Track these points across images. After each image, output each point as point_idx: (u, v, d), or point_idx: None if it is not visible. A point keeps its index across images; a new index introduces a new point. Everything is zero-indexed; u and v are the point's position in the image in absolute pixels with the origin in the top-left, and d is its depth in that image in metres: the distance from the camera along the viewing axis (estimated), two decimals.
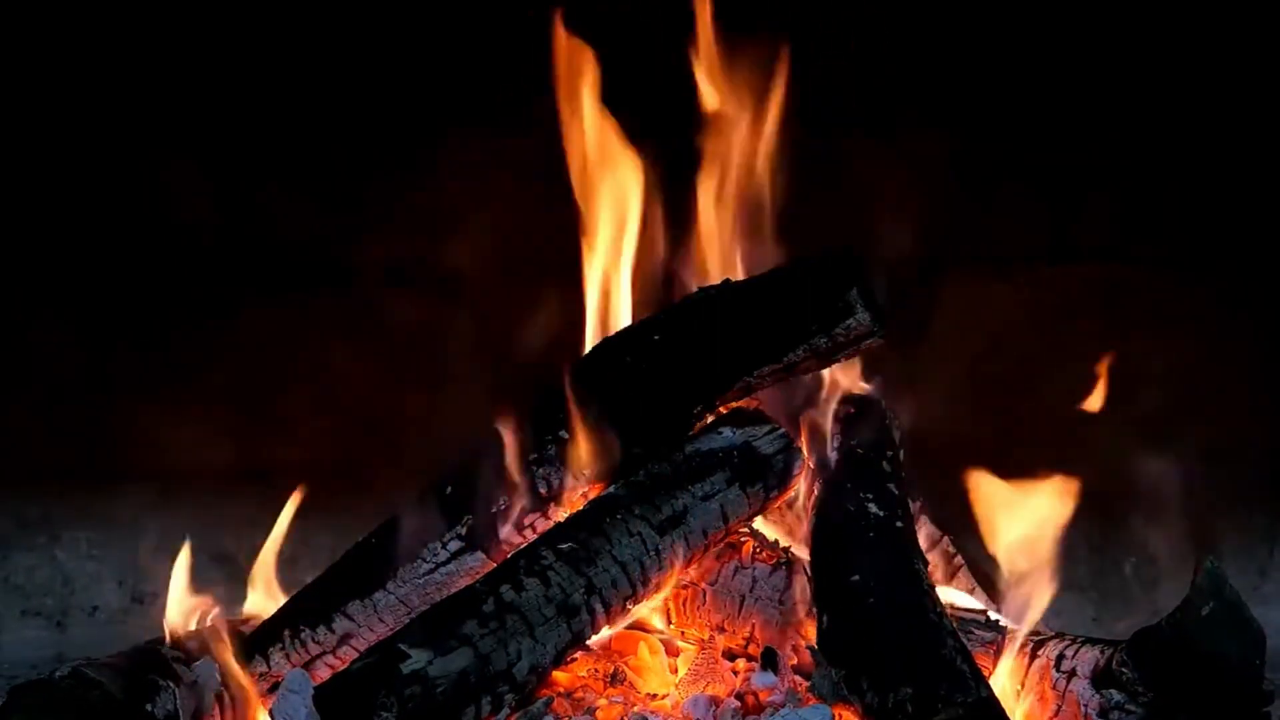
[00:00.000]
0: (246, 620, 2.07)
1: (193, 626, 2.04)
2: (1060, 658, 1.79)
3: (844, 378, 2.17)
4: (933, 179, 2.85)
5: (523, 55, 2.78)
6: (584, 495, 1.94)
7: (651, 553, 1.83)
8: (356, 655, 1.81)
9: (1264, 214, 2.88)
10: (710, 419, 1.99)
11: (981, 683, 1.61)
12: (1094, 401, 2.20)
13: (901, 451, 2.13)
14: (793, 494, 2.01)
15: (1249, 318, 2.90)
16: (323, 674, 1.86)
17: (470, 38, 2.82)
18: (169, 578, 2.04)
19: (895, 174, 2.80)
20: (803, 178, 2.19)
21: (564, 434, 1.94)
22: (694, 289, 2.06)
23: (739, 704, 1.81)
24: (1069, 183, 2.91)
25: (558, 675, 1.83)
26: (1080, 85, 2.85)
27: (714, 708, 1.80)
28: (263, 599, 2.11)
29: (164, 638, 1.96)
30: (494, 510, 1.93)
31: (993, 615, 1.99)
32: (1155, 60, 2.83)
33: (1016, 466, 2.15)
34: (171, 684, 1.81)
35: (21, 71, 2.78)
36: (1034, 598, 1.95)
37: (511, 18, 2.77)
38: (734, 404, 2.01)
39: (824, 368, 2.04)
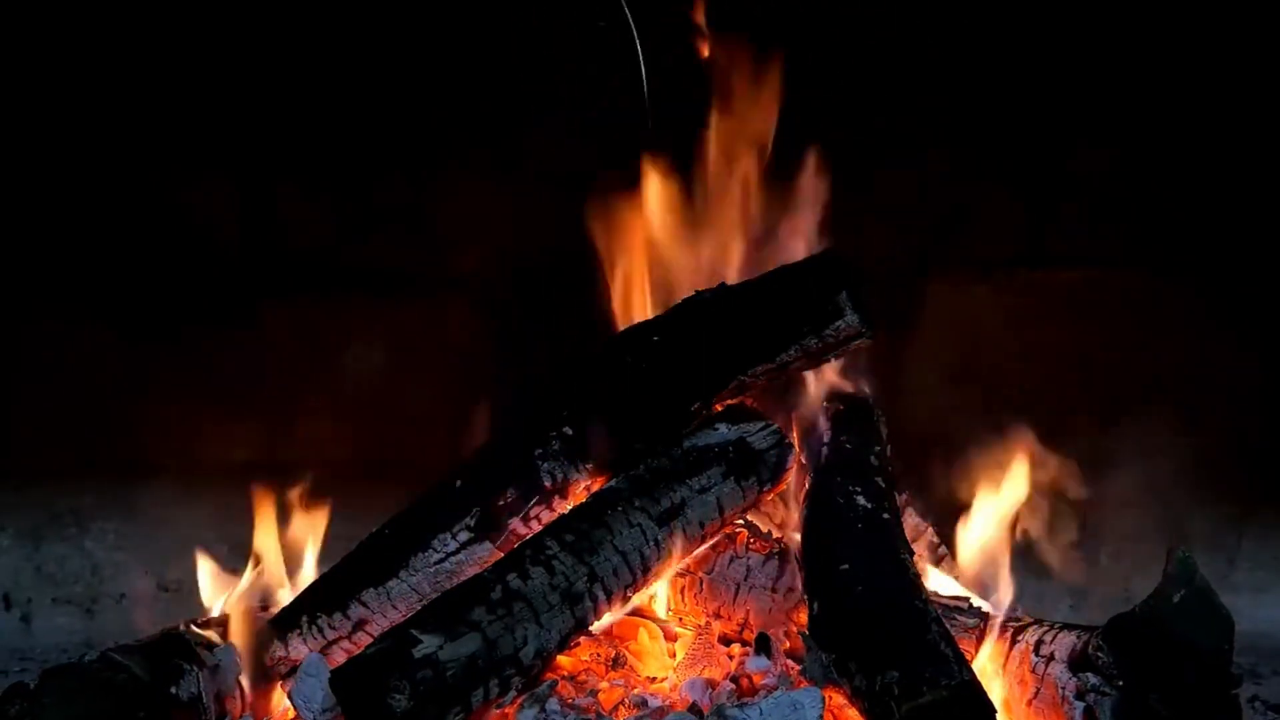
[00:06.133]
0: (266, 607, 2.07)
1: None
2: (1039, 643, 1.79)
3: (834, 376, 2.17)
4: (915, 186, 2.85)
5: (528, 66, 2.80)
6: (587, 488, 1.94)
7: (651, 543, 1.82)
8: (371, 640, 1.81)
9: (1236, 217, 2.88)
10: (707, 416, 1.99)
11: (964, 666, 1.60)
12: None
13: (888, 447, 2.13)
14: (785, 487, 2.01)
15: (1222, 319, 2.90)
16: (339, 658, 1.86)
17: (478, 51, 2.82)
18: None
19: (880, 182, 2.80)
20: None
21: (568, 430, 1.94)
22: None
23: (734, 686, 1.81)
24: (1046, 188, 2.91)
25: (562, 659, 1.82)
26: (1058, 92, 2.85)
27: (710, 690, 1.80)
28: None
29: (188, 623, 1.96)
30: (501, 503, 1.93)
31: (975, 602, 1.99)
32: (1129, 68, 2.82)
33: (997, 463, 2.15)
34: (195, 667, 1.81)
35: (60, 91, 2.79)
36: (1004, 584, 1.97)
37: (516, 31, 2.78)
38: (729, 401, 2.01)
39: (815, 367, 2.04)
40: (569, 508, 1.91)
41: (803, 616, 1.87)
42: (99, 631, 2.80)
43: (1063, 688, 1.69)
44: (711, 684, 1.81)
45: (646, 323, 2.03)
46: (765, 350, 1.92)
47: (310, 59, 2.81)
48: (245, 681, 1.88)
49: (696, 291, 2.02)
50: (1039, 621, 1.88)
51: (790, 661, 1.86)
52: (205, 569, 2.09)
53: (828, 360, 2.00)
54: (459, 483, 1.97)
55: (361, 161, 2.86)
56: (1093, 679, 1.65)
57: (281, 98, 2.83)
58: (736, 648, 1.93)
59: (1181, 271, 2.89)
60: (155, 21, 2.76)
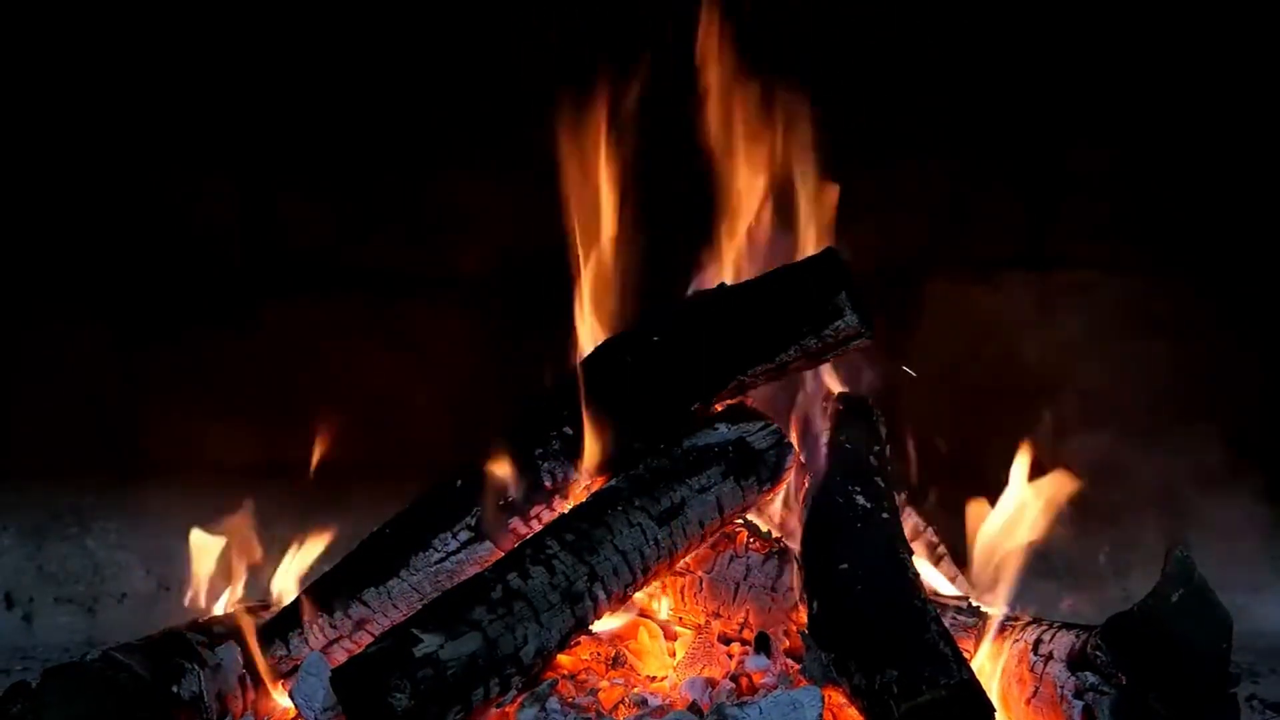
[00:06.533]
0: (268, 606, 2.07)
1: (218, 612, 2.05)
2: (1038, 642, 1.79)
3: (833, 376, 2.17)
4: (915, 186, 2.85)
5: (528, 69, 2.80)
6: (587, 488, 1.94)
7: (651, 542, 1.82)
8: (372, 640, 1.81)
9: (1236, 218, 2.88)
10: (707, 416, 1.99)
11: (963, 665, 1.61)
12: None
13: (887, 446, 2.13)
14: (784, 487, 2.01)
15: (1219, 320, 2.90)
16: (340, 657, 1.86)
17: (478, 51, 2.82)
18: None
19: (880, 182, 2.80)
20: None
21: (568, 430, 1.94)
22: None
23: (734, 685, 1.81)
24: (1046, 188, 2.91)
25: (562, 658, 1.83)
26: (1058, 92, 2.85)
27: (710, 689, 1.80)
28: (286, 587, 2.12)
29: (189, 623, 1.97)
30: (502, 502, 1.93)
31: (973, 601, 1.99)
32: (1129, 69, 2.82)
33: (995, 463, 2.16)
34: (196, 666, 1.81)
35: (62, 93, 2.79)
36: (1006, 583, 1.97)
37: (516, 30, 2.79)
38: (729, 401, 2.01)
39: (814, 367, 2.04)
40: (569, 507, 1.92)
41: (802, 616, 1.87)
42: (101, 630, 2.80)
43: (1061, 686, 1.69)
44: (711, 683, 1.81)
45: (647, 323, 2.03)
46: (765, 350, 1.92)
47: (310, 60, 2.81)
48: (248, 678, 1.88)
49: (696, 292, 2.02)
50: (1037, 620, 1.88)
51: (790, 660, 1.86)
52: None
53: (827, 360, 2.00)
54: (459, 482, 1.97)
55: (361, 162, 2.87)
56: (1091, 678, 1.65)
57: (282, 99, 2.83)
58: (736, 647, 1.93)
59: (1181, 272, 2.90)
60: (156, 24, 2.77)
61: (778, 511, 2.10)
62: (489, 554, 1.91)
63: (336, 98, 2.83)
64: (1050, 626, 1.82)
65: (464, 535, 1.92)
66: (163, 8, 2.76)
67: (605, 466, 1.93)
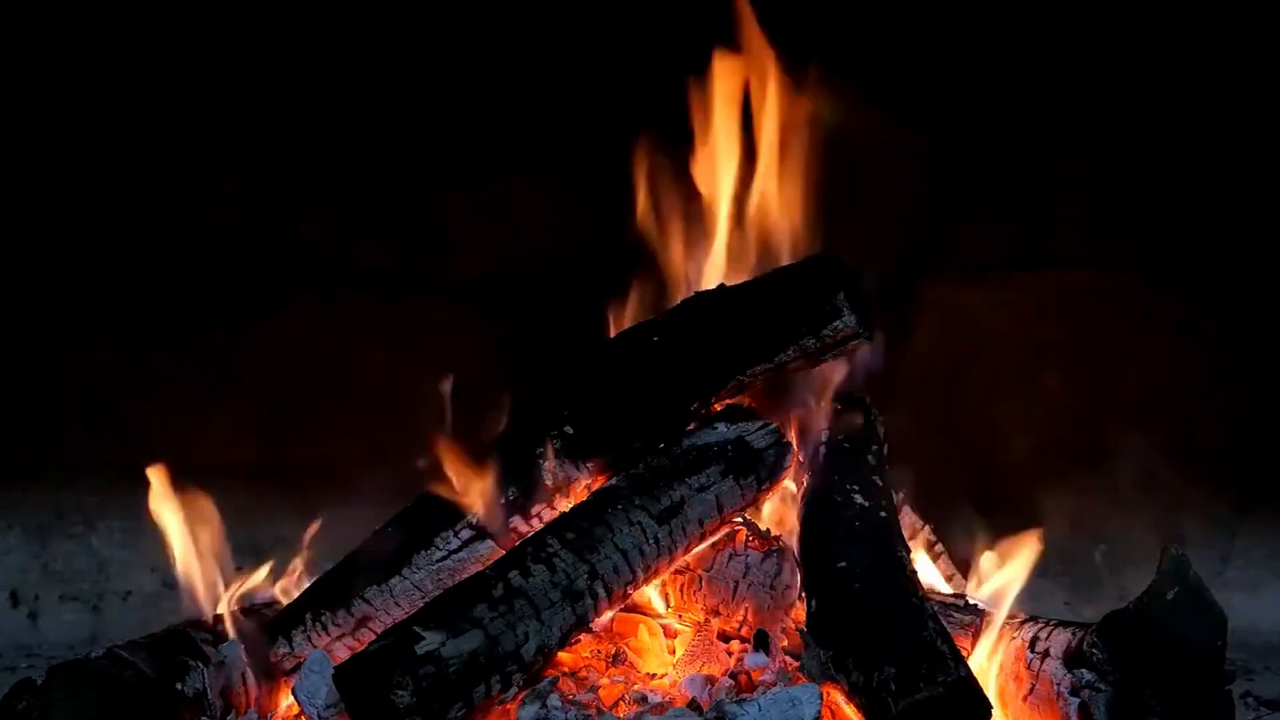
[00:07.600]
0: (271, 604, 2.07)
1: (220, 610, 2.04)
2: (1034, 639, 1.79)
3: (832, 376, 2.17)
4: (910, 187, 2.85)
5: (534, 67, 2.81)
6: (587, 487, 1.94)
7: (651, 541, 1.82)
8: (374, 637, 1.81)
9: (1230, 219, 2.88)
10: (706, 415, 1.99)
11: (960, 663, 1.61)
12: None
13: (885, 446, 2.13)
14: (783, 485, 2.01)
15: (1214, 320, 2.90)
16: (342, 655, 1.86)
17: (483, 55, 2.83)
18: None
19: (875, 183, 2.80)
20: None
21: (569, 429, 1.94)
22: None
23: (733, 683, 1.81)
24: (1042, 190, 2.91)
25: (563, 656, 1.83)
26: (1055, 94, 2.85)
27: (710, 686, 1.80)
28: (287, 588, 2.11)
29: (193, 620, 1.96)
30: (503, 501, 1.93)
31: (971, 600, 1.99)
32: (1125, 71, 2.82)
33: (994, 462, 2.15)
34: (200, 664, 1.81)
35: (73, 97, 2.80)
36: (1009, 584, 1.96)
37: (519, 32, 2.79)
38: (728, 401, 2.01)
39: (813, 367, 2.04)
40: (570, 506, 1.92)
41: (801, 613, 1.87)
42: (105, 628, 2.80)
43: (1058, 684, 1.69)
44: (711, 680, 1.81)
45: (646, 323, 2.03)
46: (763, 351, 1.92)
47: (317, 64, 2.81)
48: (250, 677, 1.88)
49: (696, 292, 2.02)
50: (1034, 618, 1.88)
51: (789, 658, 1.86)
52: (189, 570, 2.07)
53: (826, 360, 2.00)
54: None
55: (368, 164, 2.87)
56: (1087, 675, 1.65)
57: (289, 102, 2.83)
58: (735, 644, 1.93)
59: (1176, 272, 2.90)
60: (165, 27, 2.77)
61: (776, 510, 2.10)
62: (490, 552, 1.91)
63: (343, 102, 2.84)
64: (1047, 624, 1.82)
65: (466, 533, 1.92)
66: (172, 11, 2.77)
67: (605, 466, 1.93)
